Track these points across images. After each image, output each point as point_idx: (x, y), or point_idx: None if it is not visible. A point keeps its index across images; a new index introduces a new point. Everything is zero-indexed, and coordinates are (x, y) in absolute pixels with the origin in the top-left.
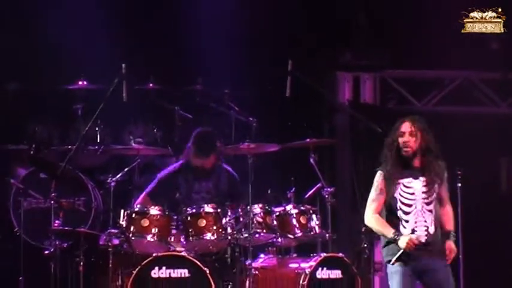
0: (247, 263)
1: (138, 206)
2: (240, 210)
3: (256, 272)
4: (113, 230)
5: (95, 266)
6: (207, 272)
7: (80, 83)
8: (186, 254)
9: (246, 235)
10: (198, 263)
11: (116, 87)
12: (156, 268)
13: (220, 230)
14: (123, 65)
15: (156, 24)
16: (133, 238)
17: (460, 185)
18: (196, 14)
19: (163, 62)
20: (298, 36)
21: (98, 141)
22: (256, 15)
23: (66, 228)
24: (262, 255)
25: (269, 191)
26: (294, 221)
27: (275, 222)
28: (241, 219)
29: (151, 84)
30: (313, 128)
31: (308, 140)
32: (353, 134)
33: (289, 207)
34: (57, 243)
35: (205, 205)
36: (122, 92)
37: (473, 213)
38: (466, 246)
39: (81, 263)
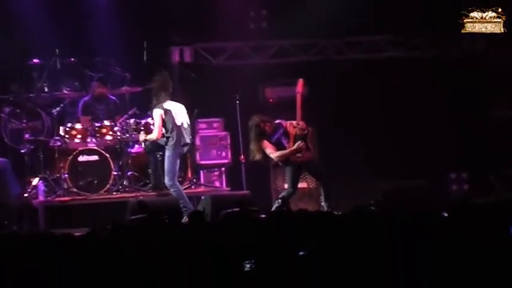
0: (130, 151)
1: (69, 123)
2: (124, 122)
3: (134, 155)
4: (57, 137)
5: (48, 157)
6: (108, 156)
7: None
8: (96, 148)
9: (128, 135)
10: (103, 152)
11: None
12: (81, 155)
13: (114, 134)
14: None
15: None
16: (68, 141)
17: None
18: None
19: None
20: (152, 28)
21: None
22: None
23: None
24: (136, 146)
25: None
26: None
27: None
28: (124, 127)
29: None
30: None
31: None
32: (180, 79)
33: (150, 119)
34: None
35: (105, 121)
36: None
37: None
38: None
39: (41, 156)
